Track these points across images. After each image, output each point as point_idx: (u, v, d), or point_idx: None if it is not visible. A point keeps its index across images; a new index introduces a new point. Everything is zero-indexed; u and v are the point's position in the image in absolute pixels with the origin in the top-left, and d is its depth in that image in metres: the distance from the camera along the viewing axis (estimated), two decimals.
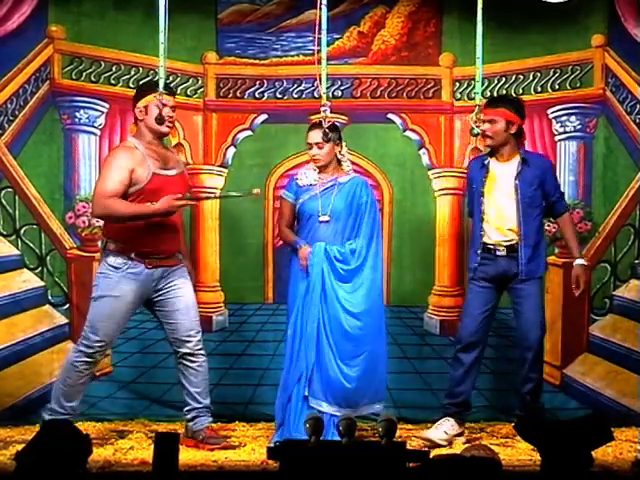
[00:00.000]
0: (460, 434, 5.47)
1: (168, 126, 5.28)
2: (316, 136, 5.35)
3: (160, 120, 5.20)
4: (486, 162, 5.51)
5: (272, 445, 3.93)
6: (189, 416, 5.35)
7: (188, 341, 5.29)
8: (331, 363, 5.25)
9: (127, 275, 5.17)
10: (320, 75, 5.36)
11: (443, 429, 5.43)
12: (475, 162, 5.67)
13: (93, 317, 5.22)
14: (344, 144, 5.48)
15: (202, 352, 5.34)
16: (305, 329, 5.28)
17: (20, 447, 3.32)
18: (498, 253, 5.41)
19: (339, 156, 5.43)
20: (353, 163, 5.94)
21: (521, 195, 5.39)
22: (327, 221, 5.33)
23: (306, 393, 5.23)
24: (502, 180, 5.44)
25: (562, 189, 5.72)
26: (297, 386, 5.26)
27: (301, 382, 5.25)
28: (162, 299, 5.28)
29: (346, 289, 5.31)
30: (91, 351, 5.21)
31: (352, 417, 3.44)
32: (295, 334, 5.31)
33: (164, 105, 5.20)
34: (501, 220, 5.42)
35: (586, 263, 5.54)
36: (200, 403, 5.34)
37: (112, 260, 5.18)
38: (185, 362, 5.31)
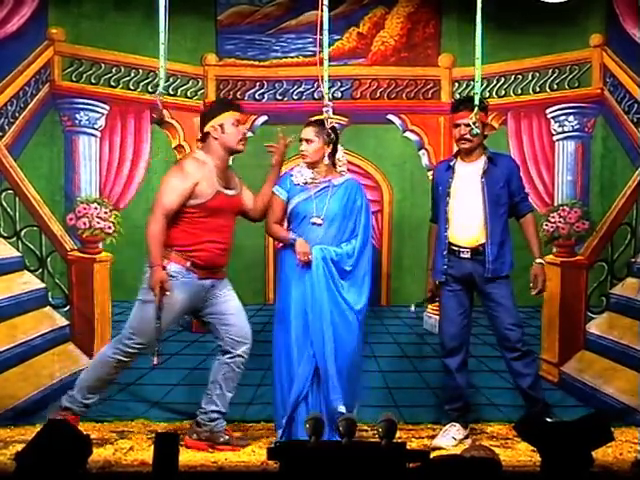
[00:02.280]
0: (466, 437, 5.49)
1: (243, 144, 5.34)
2: (307, 132, 5.38)
3: (159, 122, 5.22)
4: (452, 163, 5.52)
5: (272, 446, 3.93)
6: (213, 415, 5.33)
7: (244, 343, 5.30)
8: (325, 374, 5.24)
9: (180, 284, 5.18)
10: (322, 76, 5.37)
11: (450, 435, 5.47)
12: (441, 165, 5.67)
13: (138, 320, 5.21)
14: (340, 148, 5.46)
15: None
16: (307, 342, 5.25)
17: (20, 447, 3.34)
18: (462, 255, 5.42)
19: (335, 159, 5.41)
20: (353, 164, 5.95)
21: (487, 193, 5.39)
22: (320, 224, 5.33)
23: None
24: (468, 179, 5.45)
25: (560, 188, 5.75)
26: (300, 403, 5.25)
27: (304, 399, 5.25)
28: (213, 306, 5.31)
29: (342, 291, 5.30)
30: (129, 351, 5.22)
31: (352, 417, 3.45)
32: (291, 344, 5.27)
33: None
34: (467, 219, 5.42)
35: (544, 262, 5.52)
36: (225, 408, 5.37)
37: (168, 268, 5.17)
38: (234, 365, 5.31)
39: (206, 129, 5.30)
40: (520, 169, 5.68)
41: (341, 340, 5.26)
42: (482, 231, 5.39)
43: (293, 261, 5.31)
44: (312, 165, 5.40)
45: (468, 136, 5.40)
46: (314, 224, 5.33)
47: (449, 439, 5.43)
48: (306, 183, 5.40)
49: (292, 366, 5.26)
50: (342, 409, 5.15)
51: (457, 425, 5.49)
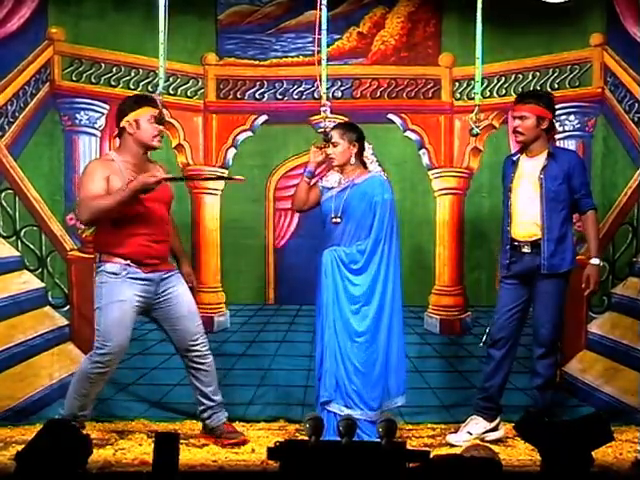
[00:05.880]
0: (494, 429, 5.48)
1: (159, 141, 5.28)
2: (332, 135, 5.39)
3: (160, 121, 5.22)
4: (515, 158, 5.53)
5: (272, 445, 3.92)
6: (205, 415, 5.39)
7: (195, 344, 5.31)
8: (343, 365, 5.25)
9: (128, 280, 5.18)
10: (320, 75, 5.37)
11: (466, 429, 5.48)
12: (507, 160, 5.65)
13: (104, 325, 5.20)
14: (369, 146, 5.50)
15: (209, 352, 5.38)
16: (324, 335, 5.29)
17: (20, 447, 3.34)
18: (524, 250, 5.42)
19: (364, 158, 5.45)
20: None
21: (545, 189, 5.39)
22: (338, 222, 5.35)
23: (323, 399, 5.25)
24: (529, 175, 5.45)
25: None
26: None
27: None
28: (164, 306, 5.29)
29: (352, 292, 5.30)
30: (107, 359, 5.19)
31: (352, 417, 3.45)
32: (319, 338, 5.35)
33: (164, 108, 5.24)
34: (525, 214, 5.43)
35: (601, 264, 5.54)
36: (214, 401, 5.38)
37: (110, 267, 5.19)
38: (195, 365, 5.34)
39: (122, 124, 5.25)
40: (584, 164, 5.66)
41: (351, 340, 5.27)
42: (539, 227, 5.39)
43: (320, 262, 5.33)
44: (341, 167, 5.43)
45: (520, 130, 5.41)
46: (334, 223, 5.36)
47: (463, 434, 5.44)
48: (332, 187, 5.45)
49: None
50: (333, 407, 5.21)
51: (477, 418, 5.48)
